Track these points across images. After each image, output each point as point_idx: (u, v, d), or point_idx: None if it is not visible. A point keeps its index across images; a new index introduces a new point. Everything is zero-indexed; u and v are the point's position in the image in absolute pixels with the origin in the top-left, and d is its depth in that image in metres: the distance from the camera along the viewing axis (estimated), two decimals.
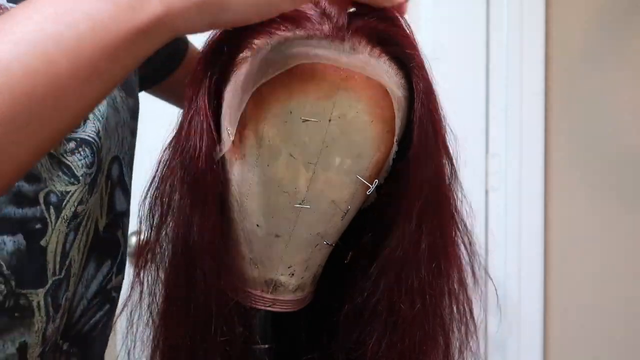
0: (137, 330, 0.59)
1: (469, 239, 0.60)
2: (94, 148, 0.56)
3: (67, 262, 0.55)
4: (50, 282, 0.53)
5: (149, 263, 0.57)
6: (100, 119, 0.57)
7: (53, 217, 0.53)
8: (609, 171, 1.28)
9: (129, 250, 1.23)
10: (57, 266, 0.54)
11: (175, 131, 0.56)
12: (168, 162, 0.55)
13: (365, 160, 0.52)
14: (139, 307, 0.58)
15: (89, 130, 0.56)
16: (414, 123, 0.53)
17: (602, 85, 1.27)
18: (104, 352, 0.65)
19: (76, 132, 0.55)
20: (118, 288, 0.64)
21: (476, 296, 0.63)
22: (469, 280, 0.60)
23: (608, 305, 1.29)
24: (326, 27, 0.52)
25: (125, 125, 0.62)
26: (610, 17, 1.27)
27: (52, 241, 0.53)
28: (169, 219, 0.55)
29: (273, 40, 0.53)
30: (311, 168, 0.51)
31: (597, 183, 1.28)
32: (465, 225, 0.59)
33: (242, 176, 0.53)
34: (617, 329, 1.28)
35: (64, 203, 0.53)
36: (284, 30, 0.53)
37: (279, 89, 0.51)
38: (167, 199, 0.55)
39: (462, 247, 0.59)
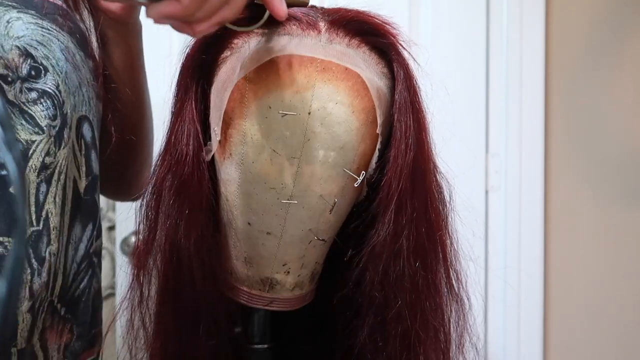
0: (137, 330, 0.59)
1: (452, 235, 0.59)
2: (55, 101, 0.57)
3: (43, 214, 0.56)
4: (27, 232, 0.54)
5: (145, 265, 0.57)
6: (60, 73, 0.58)
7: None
8: (609, 171, 1.28)
9: (128, 250, 1.23)
10: (33, 217, 0.55)
11: (165, 136, 0.56)
12: (159, 167, 0.56)
13: (349, 152, 0.52)
14: (138, 308, 0.58)
15: (49, 82, 0.57)
16: (394, 110, 0.53)
17: (602, 85, 1.27)
18: (89, 323, 0.65)
19: (37, 82, 0.56)
20: (97, 253, 0.65)
21: (476, 296, 0.62)
22: (461, 275, 0.59)
23: (608, 305, 1.29)
24: (303, 22, 0.52)
25: (90, 86, 0.63)
26: (610, 16, 1.27)
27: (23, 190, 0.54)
28: (160, 224, 0.55)
29: (251, 39, 0.53)
30: (295, 162, 0.51)
31: (597, 183, 1.28)
32: (447, 219, 0.58)
33: (230, 175, 0.53)
34: (617, 328, 1.28)
35: (30, 152, 0.54)
36: (262, 27, 0.53)
37: (258, 85, 0.51)
38: (158, 204, 0.55)
39: (452, 241, 0.58)
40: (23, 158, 0.54)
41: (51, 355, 0.58)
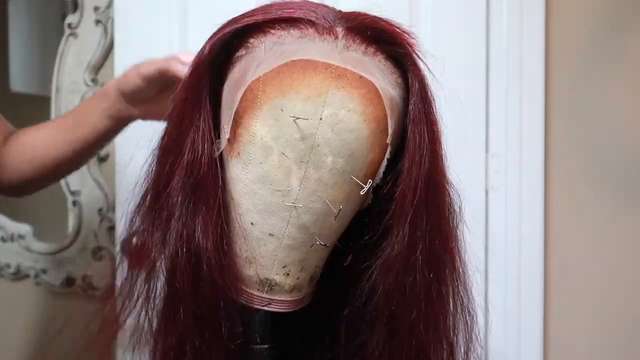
0: (141, 330, 0.59)
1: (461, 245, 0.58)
2: None
3: None
4: None
5: (152, 263, 0.57)
6: None
7: None
8: (609, 171, 1.28)
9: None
10: None
11: (172, 132, 0.56)
12: (170, 165, 0.56)
13: (358, 160, 0.52)
14: (143, 306, 0.59)
15: None
16: (408, 122, 0.53)
17: (602, 85, 1.27)
18: None
19: None
20: None
21: (477, 296, 0.62)
22: (468, 286, 0.59)
23: (608, 306, 1.29)
24: (320, 26, 0.52)
25: None
26: (611, 17, 1.27)
27: None
28: (173, 221, 0.55)
29: (267, 39, 0.53)
30: (303, 167, 0.51)
31: (597, 183, 1.28)
32: (459, 230, 0.58)
33: (237, 174, 0.53)
34: (617, 329, 1.28)
35: None
36: (278, 29, 0.53)
37: (271, 87, 0.51)
38: (171, 201, 0.55)
39: (462, 252, 0.58)
40: None
41: None
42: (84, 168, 1.31)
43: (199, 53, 0.55)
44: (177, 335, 0.57)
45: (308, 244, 0.54)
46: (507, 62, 1.30)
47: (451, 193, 0.57)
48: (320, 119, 0.50)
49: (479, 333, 0.60)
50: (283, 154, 0.51)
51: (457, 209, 0.58)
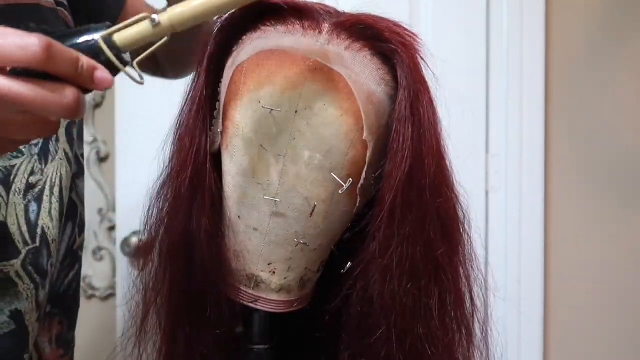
0: (149, 326, 0.59)
1: (467, 253, 0.55)
2: None
3: (38, 231, 0.56)
4: (24, 252, 0.55)
5: (153, 257, 0.58)
6: None
7: (2, 192, 0.54)
8: (608, 171, 1.28)
9: (128, 250, 1.23)
10: (27, 236, 0.55)
11: (177, 127, 0.57)
12: (173, 156, 0.56)
13: (337, 156, 0.51)
14: (141, 302, 0.59)
15: None
16: (393, 120, 0.52)
17: (602, 85, 1.27)
18: (77, 312, 0.68)
19: None
20: (81, 246, 0.67)
21: (477, 297, 0.62)
22: (465, 301, 0.55)
23: (608, 305, 1.29)
24: (307, 22, 0.52)
25: None
26: (610, 17, 1.27)
27: (11, 214, 0.55)
28: (174, 212, 0.56)
29: (255, 34, 0.53)
30: (281, 160, 0.51)
31: (596, 183, 1.28)
32: (460, 236, 0.54)
33: (226, 166, 0.54)
34: (616, 328, 1.28)
35: (11, 177, 0.54)
36: (268, 25, 0.53)
37: (251, 78, 0.51)
38: (171, 193, 0.56)
39: (459, 263, 0.54)
40: (4, 184, 0.54)
41: (42, 348, 0.59)
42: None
43: (204, 55, 0.56)
44: (170, 323, 0.57)
45: (292, 242, 0.53)
46: (507, 62, 1.30)
47: (449, 200, 0.54)
48: (295, 112, 0.49)
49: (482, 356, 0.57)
50: (262, 146, 0.51)
51: (460, 219, 0.55)
